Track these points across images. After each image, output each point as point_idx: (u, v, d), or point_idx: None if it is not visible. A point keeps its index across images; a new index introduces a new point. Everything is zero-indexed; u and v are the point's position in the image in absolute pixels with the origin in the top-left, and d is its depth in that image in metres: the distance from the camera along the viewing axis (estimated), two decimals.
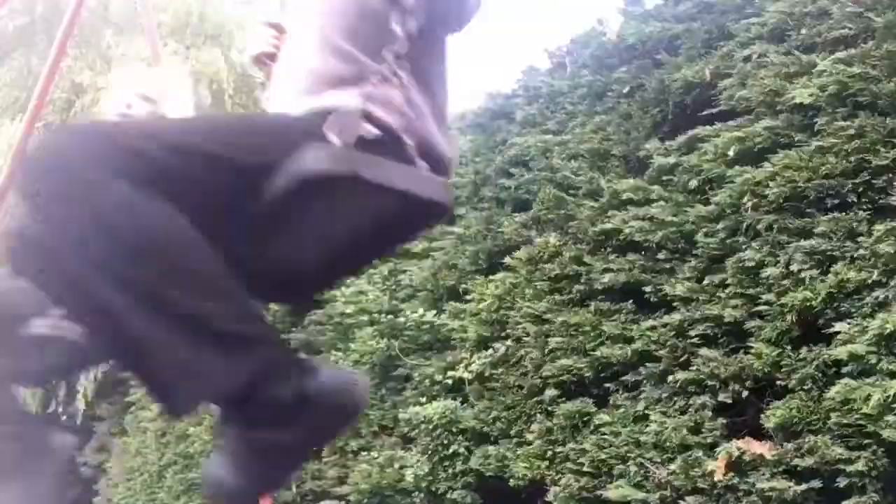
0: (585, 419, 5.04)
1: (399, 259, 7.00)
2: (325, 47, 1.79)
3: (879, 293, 3.91)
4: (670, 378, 4.63)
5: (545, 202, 5.86)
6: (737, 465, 4.20)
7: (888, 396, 3.66)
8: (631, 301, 5.03)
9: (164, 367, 1.42)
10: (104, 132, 1.45)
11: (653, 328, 4.80)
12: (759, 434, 4.25)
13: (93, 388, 10.58)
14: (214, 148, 1.51)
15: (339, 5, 1.80)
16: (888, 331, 3.76)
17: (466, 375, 5.74)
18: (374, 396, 6.32)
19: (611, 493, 4.70)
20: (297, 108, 1.77)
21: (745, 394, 4.37)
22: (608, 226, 5.32)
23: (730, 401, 4.35)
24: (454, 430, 5.69)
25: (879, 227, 4.00)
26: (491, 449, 5.50)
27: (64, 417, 11.10)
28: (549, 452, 5.14)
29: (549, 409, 5.25)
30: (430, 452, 5.80)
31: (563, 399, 5.20)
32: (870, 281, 3.95)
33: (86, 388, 10.54)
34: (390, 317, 6.62)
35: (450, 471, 5.72)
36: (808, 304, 4.10)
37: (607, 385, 5.00)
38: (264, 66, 2.16)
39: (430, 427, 5.74)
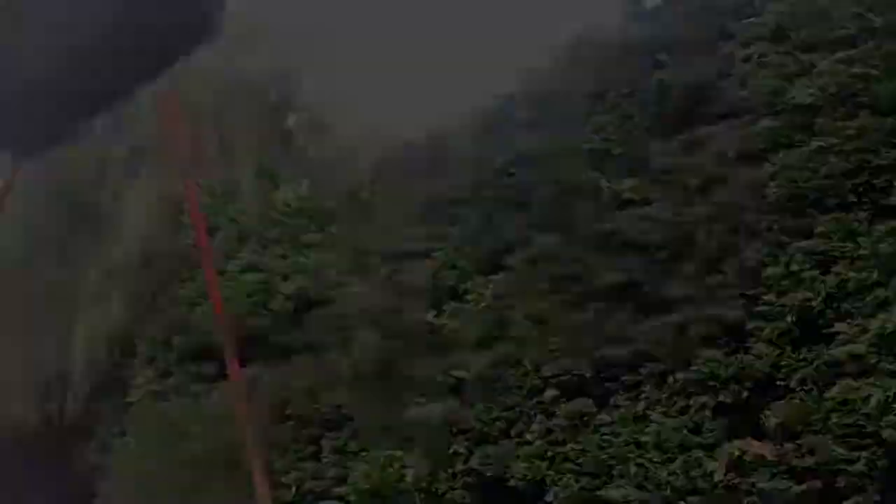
0: (585, 419, 5.03)
1: (399, 259, 6.98)
2: None
3: (879, 293, 3.92)
4: (670, 378, 4.63)
5: (545, 202, 5.85)
6: (737, 466, 4.20)
7: (888, 396, 3.67)
8: (631, 301, 5.03)
9: None
10: None
11: (653, 328, 4.80)
12: (760, 434, 4.25)
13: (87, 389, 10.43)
14: None
15: None
16: (888, 331, 3.76)
17: (466, 375, 5.73)
18: (373, 396, 6.31)
19: (611, 493, 4.70)
20: None
21: (745, 394, 4.37)
22: (608, 226, 5.33)
23: (730, 401, 4.35)
24: (454, 430, 5.68)
25: (879, 227, 4.01)
26: (491, 449, 5.49)
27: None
28: (549, 452, 5.13)
29: (550, 409, 5.25)
30: (430, 452, 5.78)
31: (563, 399, 5.19)
32: (870, 281, 3.95)
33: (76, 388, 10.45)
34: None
35: (450, 471, 5.71)
36: (808, 304, 4.10)
37: (607, 385, 4.99)
38: None
39: (431, 427, 5.73)
